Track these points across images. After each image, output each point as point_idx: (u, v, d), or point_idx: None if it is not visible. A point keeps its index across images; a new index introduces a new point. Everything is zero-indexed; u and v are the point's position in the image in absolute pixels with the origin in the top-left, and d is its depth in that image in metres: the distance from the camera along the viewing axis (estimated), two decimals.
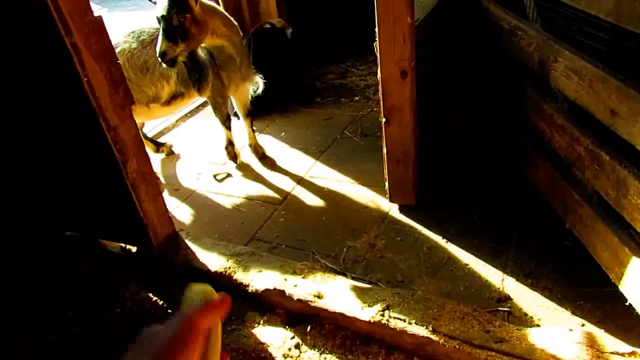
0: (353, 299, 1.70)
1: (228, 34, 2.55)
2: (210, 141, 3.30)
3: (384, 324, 1.59)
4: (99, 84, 1.68)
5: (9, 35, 1.67)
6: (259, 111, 3.36)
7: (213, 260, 1.99)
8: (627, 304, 1.54)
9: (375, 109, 3.43)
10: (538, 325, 1.66)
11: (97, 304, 1.94)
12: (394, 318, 1.59)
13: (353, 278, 1.94)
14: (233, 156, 2.98)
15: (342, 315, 1.67)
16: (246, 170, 2.97)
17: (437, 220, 2.25)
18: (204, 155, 3.20)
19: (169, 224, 2.15)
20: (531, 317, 1.71)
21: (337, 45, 4.35)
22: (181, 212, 2.64)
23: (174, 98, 2.69)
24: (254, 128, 3.05)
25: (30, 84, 1.79)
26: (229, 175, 2.94)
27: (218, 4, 2.95)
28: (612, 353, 1.41)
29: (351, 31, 3.96)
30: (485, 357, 1.45)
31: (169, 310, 1.90)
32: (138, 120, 2.39)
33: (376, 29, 1.92)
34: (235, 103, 3.00)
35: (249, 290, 1.85)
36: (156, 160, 3.17)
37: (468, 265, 1.98)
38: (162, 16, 2.22)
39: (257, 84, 2.88)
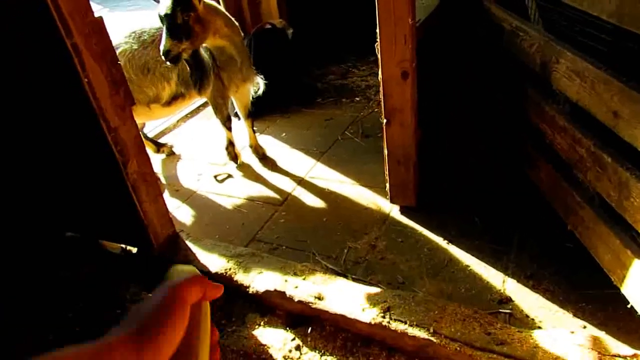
0: (354, 300, 1.69)
1: (229, 35, 2.55)
2: (211, 142, 3.30)
3: (385, 325, 1.58)
4: (100, 84, 1.67)
5: (9, 36, 1.66)
6: (260, 112, 3.36)
7: (213, 262, 1.99)
8: (629, 306, 1.53)
9: (376, 110, 3.43)
10: (539, 328, 1.66)
11: (97, 305, 1.94)
12: (395, 320, 1.59)
13: (354, 279, 1.94)
14: (234, 157, 2.98)
15: (342, 317, 1.67)
16: (247, 170, 2.97)
17: (438, 221, 2.24)
18: (204, 155, 3.20)
19: (169, 224, 2.14)
20: (532, 319, 1.70)
21: (338, 46, 4.35)
22: (182, 212, 2.64)
23: (174, 99, 2.69)
24: (254, 129, 3.05)
25: (31, 85, 1.79)
26: (229, 176, 2.93)
27: (219, 4, 2.94)
28: (613, 356, 1.41)
29: (352, 32, 3.96)
30: (487, 359, 1.44)
31: None
32: (139, 121, 2.39)
33: (377, 30, 1.91)
34: (236, 104, 3.00)
35: (250, 292, 1.85)
36: (157, 160, 3.17)
37: (469, 266, 1.98)
38: (166, 14, 2.22)
39: (258, 84, 2.88)
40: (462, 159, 2.66)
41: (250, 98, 2.95)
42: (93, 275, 2.11)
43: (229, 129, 2.88)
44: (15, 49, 1.70)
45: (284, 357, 1.64)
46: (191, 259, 2.03)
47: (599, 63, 1.52)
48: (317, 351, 1.65)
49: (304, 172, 2.85)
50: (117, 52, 2.34)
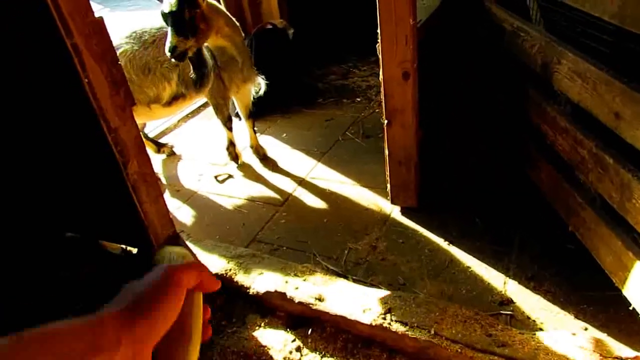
0: (354, 301, 1.69)
1: (230, 35, 2.55)
2: (212, 142, 3.30)
3: (386, 327, 1.58)
4: (100, 85, 1.67)
5: (9, 36, 1.66)
6: (261, 112, 3.35)
7: (214, 262, 1.99)
8: (630, 308, 1.53)
9: (377, 110, 3.42)
10: (541, 329, 1.65)
11: (97, 305, 1.94)
12: (396, 321, 1.59)
13: (354, 281, 1.94)
14: (234, 157, 2.98)
15: (343, 318, 1.66)
16: (247, 171, 2.96)
17: (439, 222, 2.24)
18: (205, 156, 3.20)
19: (169, 225, 2.14)
20: (534, 321, 1.70)
21: (338, 46, 4.34)
22: (182, 213, 2.63)
23: (175, 99, 2.69)
24: (255, 129, 3.04)
25: (31, 85, 1.78)
26: (230, 176, 2.93)
27: (220, 4, 2.94)
28: (615, 358, 1.40)
29: (353, 32, 3.95)
30: None
31: None
32: (139, 121, 2.39)
33: (378, 30, 1.91)
34: (237, 104, 3.00)
35: (250, 293, 1.84)
36: (157, 161, 3.17)
37: (470, 268, 1.97)
38: (172, 11, 2.21)
39: (259, 84, 2.88)
40: (463, 159, 2.65)
41: (251, 98, 2.95)
42: (93, 275, 2.10)
43: (230, 129, 2.88)
44: (16, 49, 1.69)
45: (284, 358, 1.64)
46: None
47: (601, 64, 1.52)
48: (317, 352, 1.65)
49: (304, 172, 2.84)
50: (118, 52, 2.34)
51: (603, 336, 1.59)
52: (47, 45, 1.59)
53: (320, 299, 1.72)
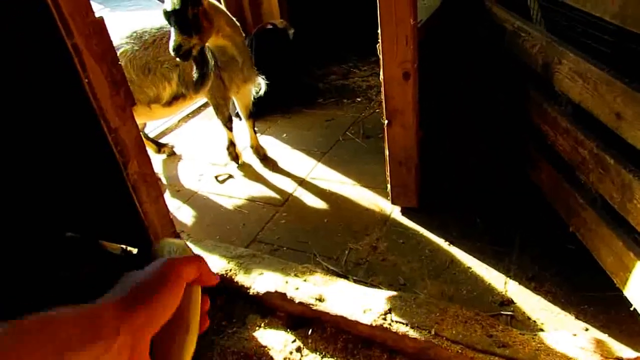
0: (355, 302, 1.69)
1: (231, 34, 2.54)
2: (212, 142, 3.30)
3: (386, 327, 1.58)
4: (100, 85, 1.67)
5: (9, 36, 1.66)
6: (261, 112, 3.35)
7: (214, 263, 1.98)
8: (631, 308, 1.53)
9: (377, 110, 3.42)
10: (541, 330, 1.65)
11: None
12: (396, 322, 1.58)
13: (355, 281, 1.93)
14: (235, 157, 2.98)
15: (343, 318, 1.66)
16: (248, 171, 2.96)
17: (440, 222, 2.24)
18: (205, 156, 3.19)
19: (170, 225, 2.13)
20: (534, 321, 1.70)
21: (339, 46, 4.34)
22: (182, 213, 2.63)
23: (175, 99, 2.68)
24: (255, 129, 3.04)
25: (31, 85, 1.78)
26: (230, 176, 2.93)
27: (220, 3, 2.94)
28: (616, 358, 1.40)
29: (353, 32, 3.95)
30: None
31: None
32: (139, 121, 2.39)
33: (379, 30, 1.91)
34: (238, 104, 3.00)
35: (250, 293, 1.84)
36: (158, 161, 3.17)
37: (471, 268, 1.97)
38: (175, 10, 2.20)
39: (259, 85, 2.88)
40: (463, 159, 2.65)
41: (252, 98, 2.94)
42: (93, 275, 2.10)
43: (230, 129, 2.88)
44: (16, 49, 1.69)
45: (284, 358, 1.63)
46: None
47: (602, 64, 1.51)
48: (317, 353, 1.64)
49: (305, 172, 2.84)
50: (118, 52, 2.34)
51: (604, 337, 1.59)
52: (47, 45, 1.59)
53: (320, 300, 1.72)
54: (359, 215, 2.40)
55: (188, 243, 2.13)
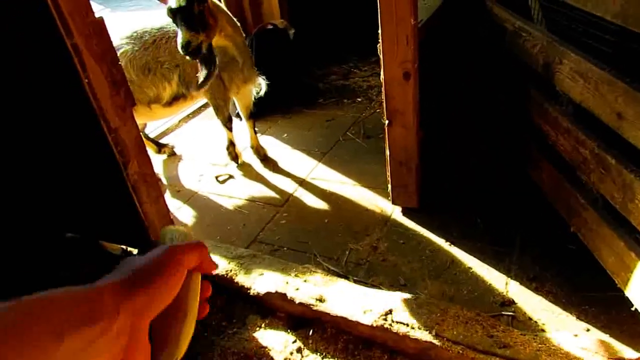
0: (355, 302, 1.68)
1: (232, 35, 2.54)
2: (213, 142, 3.29)
3: (387, 328, 1.57)
4: (100, 85, 1.66)
5: (9, 36, 1.66)
6: (261, 112, 3.35)
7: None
8: (632, 309, 1.52)
9: (378, 110, 3.42)
10: (542, 330, 1.65)
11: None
12: (397, 322, 1.58)
13: (355, 281, 1.93)
14: (234, 157, 2.97)
15: (344, 319, 1.66)
16: (248, 171, 2.96)
17: (440, 222, 2.23)
18: (205, 156, 3.19)
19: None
20: (535, 322, 1.69)
21: (339, 46, 4.34)
22: (183, 213, 2.63)
23: (175, 99, 2.68)
24: (256, 129, 3.04)
25: (31, 85, 1.78)
26: (230, 176, 2.92)
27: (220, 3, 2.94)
28: (617, 359, 1.40)
29: (354, 32, 3.95)
30: None
31: None
32: (140, 121, 2.38)
33: (379, 30, 1.90)
34: (238, 104, 3.00)
35: (251, 294, 1.84)
36: (158, 161, 3.16)
37: (471, 268, 1.96)
38: (181, 7, 2.19)
39: (259, 85, 2.87)
40: (464, 159, 2.65)
41: (252, 99, 2.94)
42: (93, 276, 2.09)
43: (230, 129, 2.88)
44: (16, 49, 1.69)
45: (284, 359, 1.63)
46: None
47: (603, 64, 1.51)
48: (318, 353, 1.64)
49: (305, 173, 2.84)
50: (119, 52, 2.34)
51: (605, 337, 1.59)
52: (47, 45, 1.59)
53: (321, 300, 1.72)
54: (359, 215, 2.40)
55: None
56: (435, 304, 1.66)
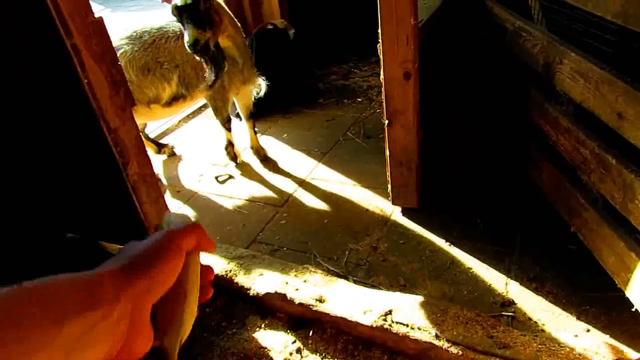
0: (355, 303, 1.68)
1: (233, 35, 2.54)
2: (212, 142, 3.29)
3: (387, 328, 1.57)
4: (100, 85, 1.66)
5: (9, 36, 1.65)
6: (261, 112, 3.35)
7: (214, 263, 1.98)
8: (633, 309, 1.52)
9: (378, 110, 3.42)
10: (542, 331, 1.65)
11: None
12: (397, 323, 1.58)
13: (355, 282, 1.93)
14: (233, 156, 2.97)
15: (343, 319, 1.65)
16: (248, 172, 2.96)
17: (440, 223, 2.23)
18: (205, 156, 3.19)
19: None
20: (535, 322, 1.69)
21: (339, 46, 4.34)
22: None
23: (175, 99, 2.68)
24: (256, 130, 3.04)
25: (30, 85, 1.78)
26: (230, 177, 2.92)
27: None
28: (618, 359, 1.39)
29: (354, 32, 3.94)
30: None
31: None
32: (139, 121, 2.38)
33: (379, 30, 1.90)
34: (238, 105, 2.99)
35: (250, 294, 1.83)
36: (158, 161, 3.16)
37: (471, 268, 1.96)
38: (187, 4, 2.19)
39: (259, 86, 2.87)
40: (464, 159, 2.64)
41: (252, 99, 2.94)
42: None
43: (229, 129, 2.87)
44: (15, 49, 1.69)
45: (284, 359, 1.63)
46: None
47: (603, 64, 1.51)
48: (318, 354, 1.64)
49: (305, 173, 2.84)
50: (118, 53, 2.34)
51: (605, 338, 1.58)
52: (46, 45, 1.59)
53: (320, 300, 1.72)
54: (359, 215, 2.40)
55: None
56: (435, 304, 1.65)
